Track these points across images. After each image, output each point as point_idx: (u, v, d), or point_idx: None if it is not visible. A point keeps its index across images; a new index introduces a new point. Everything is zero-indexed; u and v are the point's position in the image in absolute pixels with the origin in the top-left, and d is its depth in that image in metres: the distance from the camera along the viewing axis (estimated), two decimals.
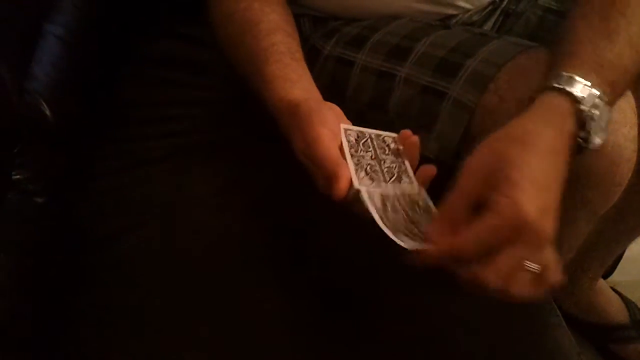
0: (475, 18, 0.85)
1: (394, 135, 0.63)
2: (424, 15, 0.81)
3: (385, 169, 0.59)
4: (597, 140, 0.56)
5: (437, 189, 0.58)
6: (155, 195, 0.76)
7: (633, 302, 1.12)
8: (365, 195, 0.54)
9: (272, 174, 0.76)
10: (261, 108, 0.66)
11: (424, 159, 0.71)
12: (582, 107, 0.55)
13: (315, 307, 0.65)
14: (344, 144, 0.58)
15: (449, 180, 0.54)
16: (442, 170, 0.60)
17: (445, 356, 0.63)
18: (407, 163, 0.61)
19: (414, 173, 0.61)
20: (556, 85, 0.56)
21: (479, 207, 0.51)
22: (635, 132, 0.62)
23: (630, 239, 0.99)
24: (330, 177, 0.55)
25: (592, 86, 0.55)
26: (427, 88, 0.71)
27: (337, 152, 0.57)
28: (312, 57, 0.81)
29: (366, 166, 0.57)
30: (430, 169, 0.60)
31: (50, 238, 0.70)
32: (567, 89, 0.55)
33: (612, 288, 1.13)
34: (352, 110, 0.78)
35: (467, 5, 0.82)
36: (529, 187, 0.49)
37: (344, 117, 0.63)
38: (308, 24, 0.83)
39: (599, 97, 0.55)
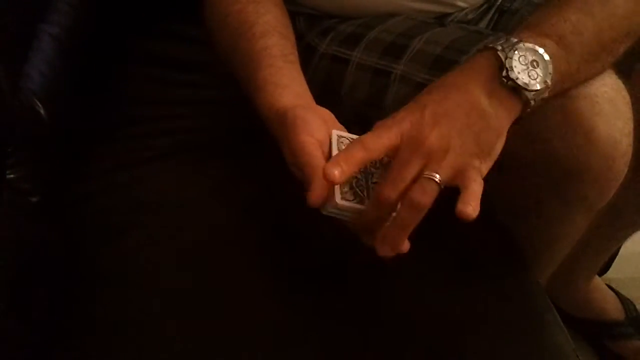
0: (470, 16, 0.85)
1: None
2: (420, 13, 0.81)
3: (372, 185, 0.58)
4: (523, 77, 0.55)
5: None
6: (152, 194, 0.76)
7: (629, 299, 1.13)
8: (343, 207, 0.55)
9: (269, 173, 0.76)
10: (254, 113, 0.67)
11: None
12: (498, 49, 0.56)
13: (312, 305, 0.65)
14: (333, 152, 0.58)
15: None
16: None
17: (440, 354, 0.63)
18: None
19: None
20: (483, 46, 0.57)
21: None
22: (630, 126, 0.62)
23: (625, 236, 1.00)
24: (308, 183, 0.55)
25: (521, 40, 0.56)
26: (423, 85, 0.71)
27: (319, 160, 0.56)
28: (307, 55, 0.80)
29: (352, 180, 0.57)
30: None
31: (45, 237, 0.70)
32: (490, 45, 0.57)
33: (607, 285, 1.14)
34: (348, 108, 0.78)
35: (463, 4, 0.82)
36: (412, 105, 0.56)
37: (336, 122, 0.63)
38: (303, 22, 0.83)
39: (520, 41, 0.56)
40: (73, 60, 0.80)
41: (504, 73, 0.55)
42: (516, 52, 0.55)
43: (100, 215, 0.75)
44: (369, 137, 0.55)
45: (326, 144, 0.59)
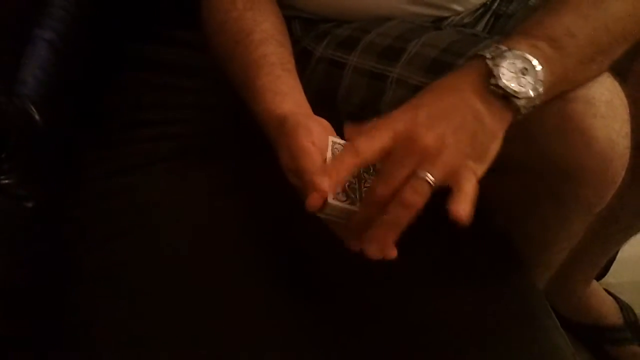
0: (466, 20, 0.85)
1: None
2: (416, 17, 0.81)
3: (364, 189, 0.59)
4: (512, 85, 0.54)
5: None
6: (150, 199, 0.76)
7: (627, 304, 1.12)
8: (334, 206, 0.55)
9: (268, 178, 0.76)
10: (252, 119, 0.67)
11: None
12: (487, 57, 0.55)
13: (313, 308, 0.64)
14: (328, 158, 0.59)
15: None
16: None
17: (438, 357, 0.63)
18: None
19: None
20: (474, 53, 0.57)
21: None
22: (627, 128, 0.62)
23: (623, 240, 0.99)
24: (308, 188, 0.55)
25: (511, 47, 0.56)
26: (420, 88, 0.70)
27: (320, 164, 0.57)
28: (303, 59, 0.80)
29: (345, 183, 0.58)
30: None
31: (41, 243, 0.70)
32: (480, 52, 0.56)
33: (605, 290, 1.13)
34: (344, 113, 0.78)
35: (459, 7, 0.82)
36: (405, 106, 0.55)
37: (333, 132, 0.63)
38: (299, 27, 0.83)
39: (509, 49, 0.55)
40: (69, 65, 0.80)
41: (492, 81, 0.55)
42: (505, 60, 0.55)
43: (98, 221, 0.75)
44: (361, 141, 0.54)
45: (325, 151, 0.60)
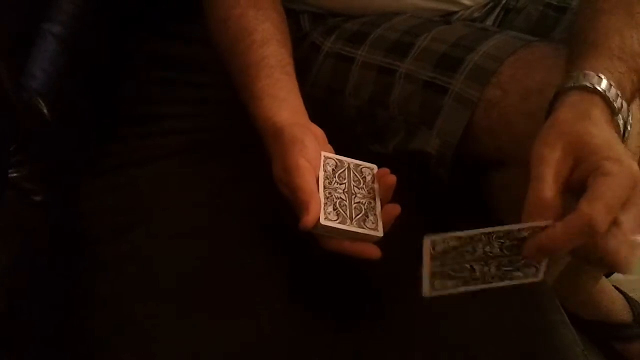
0: (476, 14, 0.84)
1: (373, 167, 0.65)
2: (425, 11, 0.80)
3: (355, 205, 0.61)
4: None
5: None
6: (155, 193, 0.76)
7: (636, 301, 1.11)
8: (325, 226, 0.58)
9: (268, 173, 0.76)
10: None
11: (424, 155, 0.71)
12: (619, 120, 0.54)
13: (311, 306, 0.64)
14: (320, 175, 0.61)
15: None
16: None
17: (447, 354, 0.62)
18: (378, 202, 0.62)
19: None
20: (585, 84, 0.53)
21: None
22: (639, 127, 0.62)
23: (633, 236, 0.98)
24: (302, 209, 0.57)
25: (619, 76, 0.54)
26: (429, 83, 0.70)
27: (313, 185, 0.59)
28: (312, 53, 0.80)
29: (336, 200, 0.60)
30: (394, 209, 0.61)
31: (48, 236, 0.70)
32: (595, 86, 0.53)
33: (614, 286, 1.13)
34: (353, 107, 0.78)
35: (468, 2, 0.82)
36: (618, 148, 0.49)
37: (326, 142, 0.65)
38: (308, 21, 0.82)
39: (620, 96, 0.54)
40: (77, 59, 0.80)
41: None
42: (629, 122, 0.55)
43: (104, 214, 0.75)
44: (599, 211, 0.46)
45: (318, 168, 0.61)
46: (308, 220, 0.56)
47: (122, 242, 0.70)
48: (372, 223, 0.60)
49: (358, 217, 0.60)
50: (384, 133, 0.76)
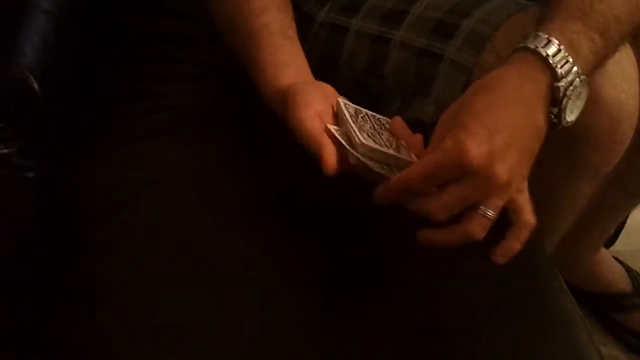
0: None
1: (387, 119, 0.63)
2: None
3: (385, 140, 0.59)
4: (570, 118, 0.55)
5: None
6: (151, 170, 0.75)
7: (636, 271, 1.12)
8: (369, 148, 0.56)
9: (269, 148, 0.75)
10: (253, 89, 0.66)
11: (421, 123, 0.70)
12: (560, 85, 0.54)
13: (315, 282, 0.63)
14: (343, 112, 0.59)
15: None
16: None
17: (447, 322, 0.62)
18: (403, 142, 0.61)
19: None
20: (531, 46, 0.54)
21: None
22: (636, 88, 0.61)
23: (632, 206, 0.98)
24: (319, 157, 0.55)
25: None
26: (424, 51, 0.70)
27: (320, 132, 0.57)
28: (305, 24, 0.79)
29: (368, 131, 0.58)
30: (418, 137, 0.60)
31: (41, 213, 0.69)
32: (539, 48, 0.54)
33: (614, 257, 1.13)
34: (348, 78, 0.77)
35: None
36: (478, 130, 0.50)
37: (337, 95, 0.63)
38: None
39: (580, 76, 0.54)
40: (68, 36, 0.79)
41: (556, 111, 0.54)
42: (577, 92, 0.54)
43: (100, 192, 0.74)
44: (429, 164, 0.52)
45: (327, 114, 0.59)
46: (327, 164, 0.54)
47: (116, 219, 0.70)
48: (406, 151, 0.59)
49: (392, 148, 0.59)
50: (379, 103, 0.75)
